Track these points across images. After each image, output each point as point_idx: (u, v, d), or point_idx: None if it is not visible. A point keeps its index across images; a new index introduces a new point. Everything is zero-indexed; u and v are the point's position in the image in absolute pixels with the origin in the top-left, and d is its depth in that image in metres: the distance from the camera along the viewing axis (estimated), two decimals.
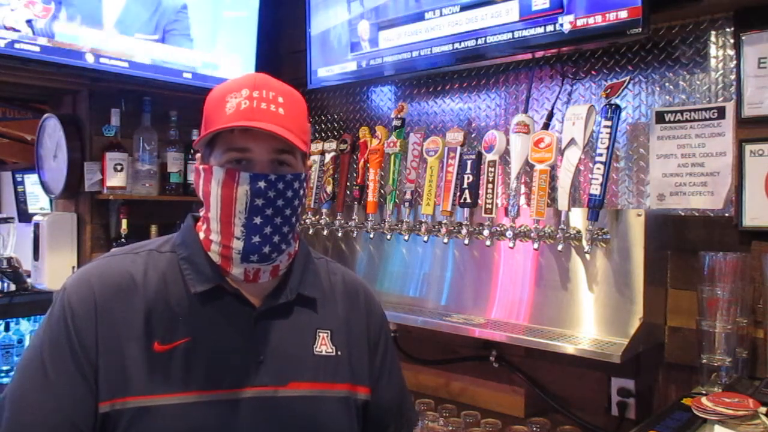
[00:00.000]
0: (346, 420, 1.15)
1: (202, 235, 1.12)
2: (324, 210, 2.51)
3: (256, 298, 1.12)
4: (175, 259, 1.12)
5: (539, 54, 2.08)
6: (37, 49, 2.24)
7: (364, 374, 1.21)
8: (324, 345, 1.16)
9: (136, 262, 1.11)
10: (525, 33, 1.96)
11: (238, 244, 1.07)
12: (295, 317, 1.15)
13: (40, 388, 1.00)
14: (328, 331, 1.18)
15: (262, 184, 1.05)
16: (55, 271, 2.59)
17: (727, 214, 1.79)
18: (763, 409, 1.32)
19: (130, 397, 1.01)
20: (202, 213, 1.13)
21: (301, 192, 1.11)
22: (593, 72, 2.07)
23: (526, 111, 2.15)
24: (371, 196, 2.34)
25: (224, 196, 1.05)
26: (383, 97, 2.70)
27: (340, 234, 2.49)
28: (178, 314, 1.07)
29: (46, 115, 2.74)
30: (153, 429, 1.00)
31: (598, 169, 1.80)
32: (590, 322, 1.90)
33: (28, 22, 2.21)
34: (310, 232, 2.55)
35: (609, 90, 1.82)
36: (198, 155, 1.14)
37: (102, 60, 2.42)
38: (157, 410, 1.01)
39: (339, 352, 1.17)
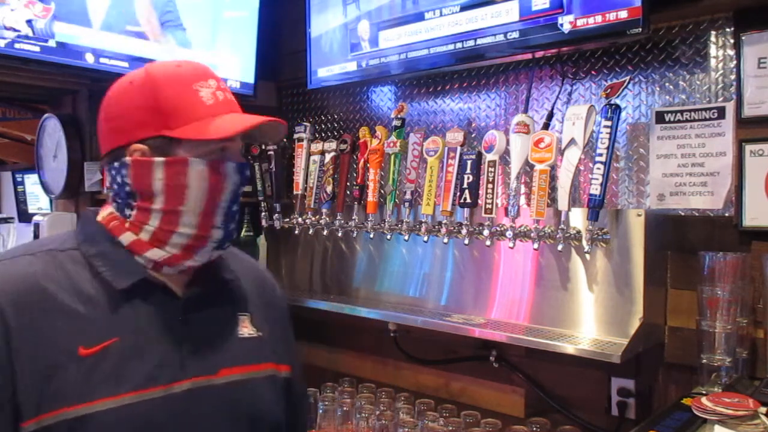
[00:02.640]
0: (274, 399, 1.17)
1: (130, 235, 1.06)
2: (324, 210, 2.51)
3: (180, 289, 1.11)
4: (80, 256, 1.05)
5: (539, 54, 2.07)
6: (37, 49, 2.24)
7: (283, 352, 1.23)
8: (246, 328, 1.17)
9: (35, 265, 1.02)
10: (525, 33, 1.96)
11: (217, 233, 1.08)
12: (217, 304, 1.15)
13: None
14: (248, 314, 1.19)
15: (246, 172, 1.10)
16: None
17: (727, 214, 1.79)
18: (763, 409, 1.32)
19: (62, 408, 0.94)
20: (144, 206, 1.05)
21: None
22: (593, 72, 2.07)
23: (526, 111, 2.15)
24: (371, 196, 2.34)
25: (211, 188, 1.05)
26: (383, 97, 2.70)
27: (340, 234, 2.48)
28: (99, 314, 1.01)
29: (46, 115, 2.73)
30: None
31: (598, 169, 1.80)
32: (590, 322, 1.90)
33: (28, 22, 2.20)
34: (310, 232, 2.55)
35: (609, 90, 1.82)
36: (140, 146, 1.04)
37: (102, 60, 2.41)
38: (93, 417, 0.95)
39: (260, 333, 1.18)
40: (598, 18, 1.80)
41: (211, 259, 1.12)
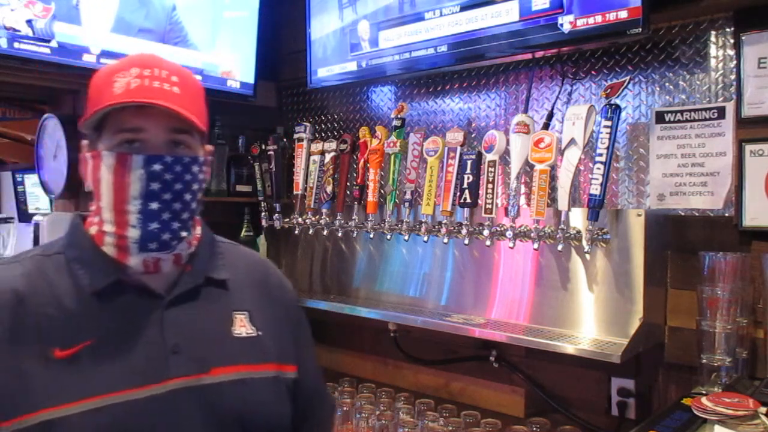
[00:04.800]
0: (277, 400, 1.13)
1: (94, 230, 1.07)
2: (324, 210, 2.51)
3: (163, 287, 1.08)
4: (63, 260, 1.06)
5: (539, 54, 2.08)
6: (37, 49, 2.24)
7: (290, 352, 1.19)
8: (243, 327, 1.13)
9: (16, 271, 1.04)
10: (525, 33, 1.96)
11: (134, 233, 1.02)
12: (208, 302, 1.12)
13: None
14: (246, 313, 1.15)
15: (157, 166, 1.01)
16: None
17: (727, 214, 1.79)
18: (763, 409, 1.32)
19: (33, 412, 0.93)
20: (92, 207, 1.07)
21: (201, 176, 1.07)
22: (593, 72, 2.07)
23: (526, 111, 2.15)
24: (371, 196, 2.34)
25: (116, 182, 1.01)
26: (383, 97, 2.70)
27: (340, 234, 2.49)
28: (75, 317, 1.01)
29: (46, 115, 2.73)
30: None
31: (598, 169, 1.80)
32: (590, 322, 1.90)
33: (28, 22, 2.21)
34: (310, 232, 2.55)
35: (609, 90, 1.82)
36: (84, 143, 1.08)
37: (103, 60, 2.41)
38: (64, 421, 0.94)
39: (260, 333, 1.15)
40: (598, 18, 1.80)
41: (153, 263, 1.06)
